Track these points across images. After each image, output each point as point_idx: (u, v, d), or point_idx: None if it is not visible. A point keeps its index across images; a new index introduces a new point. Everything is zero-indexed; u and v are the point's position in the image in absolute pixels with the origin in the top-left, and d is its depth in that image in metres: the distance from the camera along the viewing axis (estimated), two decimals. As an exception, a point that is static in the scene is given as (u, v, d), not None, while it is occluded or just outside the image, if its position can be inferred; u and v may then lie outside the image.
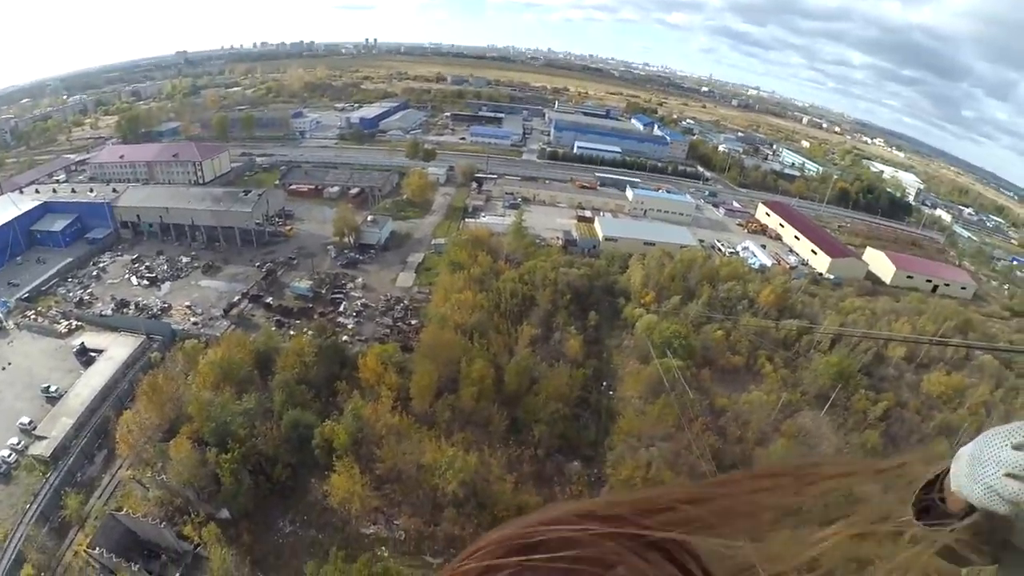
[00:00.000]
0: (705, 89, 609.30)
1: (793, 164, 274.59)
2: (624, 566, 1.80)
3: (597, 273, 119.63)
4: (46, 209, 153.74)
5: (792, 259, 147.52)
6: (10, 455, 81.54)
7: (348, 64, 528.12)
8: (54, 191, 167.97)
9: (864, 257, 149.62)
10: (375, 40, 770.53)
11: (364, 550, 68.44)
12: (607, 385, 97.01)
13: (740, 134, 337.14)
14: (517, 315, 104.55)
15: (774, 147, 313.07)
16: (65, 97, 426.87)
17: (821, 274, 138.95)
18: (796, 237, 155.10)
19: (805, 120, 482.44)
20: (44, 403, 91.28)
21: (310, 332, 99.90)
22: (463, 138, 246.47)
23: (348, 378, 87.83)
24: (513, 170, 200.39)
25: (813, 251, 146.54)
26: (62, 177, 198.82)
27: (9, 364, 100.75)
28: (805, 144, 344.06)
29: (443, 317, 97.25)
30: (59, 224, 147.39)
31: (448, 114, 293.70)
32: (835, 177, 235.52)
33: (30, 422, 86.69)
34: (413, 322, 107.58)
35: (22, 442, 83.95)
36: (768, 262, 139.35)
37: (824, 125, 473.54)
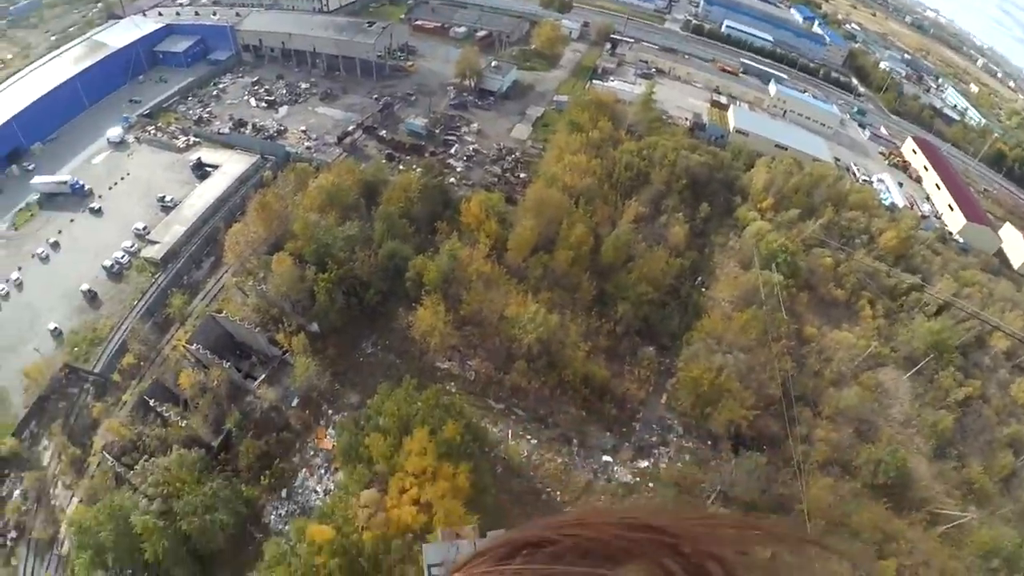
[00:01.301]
0: None
1: (955, 106, 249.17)
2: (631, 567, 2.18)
3: (720, 164, 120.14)
4: (169, 31, 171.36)
5: (926, 207, 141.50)
6: (123, 256, 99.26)
7: None
8: (177, 14, 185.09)
9: (1000, 231, 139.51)
10: None
11: (435, 382, 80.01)
12: (701, 281, 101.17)
13: (907, 56, 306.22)
14: (628, 189, 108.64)
15: (940, 81, 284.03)
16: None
17: (951, 233, 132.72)
18: (937, 185, 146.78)
19: (980, 62, 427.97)
20: (159, 211, 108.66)
21: (419, 169, 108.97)
22: None
23: (449, 219, 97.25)
24: (652, 37, 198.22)
25: (950, 206, 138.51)
26: (185, 1, 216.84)
27: (128, 175, 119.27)
28: (974, 88, 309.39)
29: (553, 176, 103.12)
30: (182, 45, 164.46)
31: None
32: (996, 135, 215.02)
33: (144, 227, 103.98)
34: (522, 175, 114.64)
35: (135, 245, 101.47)
36: (901, 202, 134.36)
37: (999, 74, 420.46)
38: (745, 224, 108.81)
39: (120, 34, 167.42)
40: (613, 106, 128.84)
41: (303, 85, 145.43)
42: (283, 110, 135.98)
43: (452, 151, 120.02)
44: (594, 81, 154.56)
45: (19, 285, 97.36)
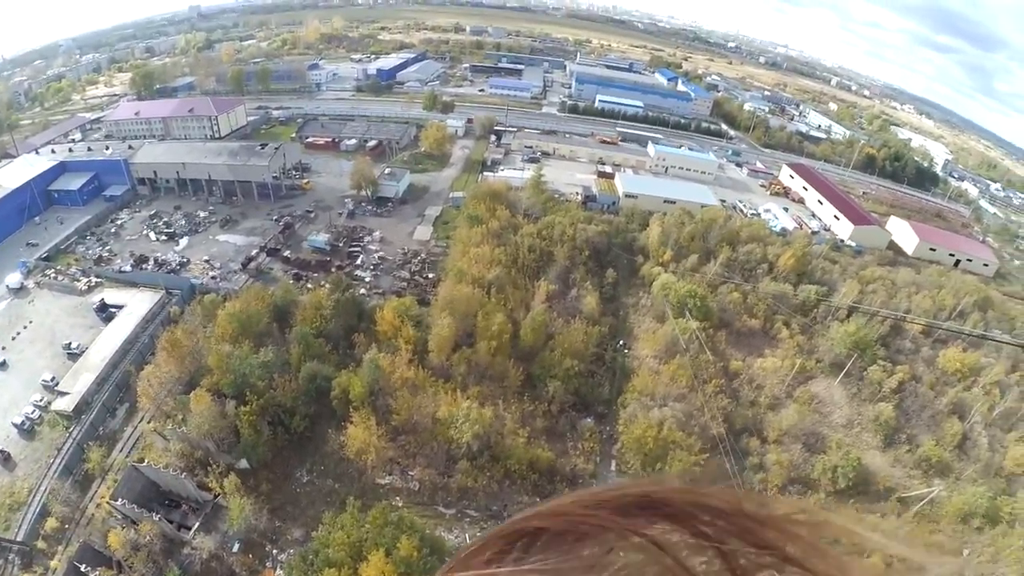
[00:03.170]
0: (732, 45, 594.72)
1: (820, 126, 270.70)
2: (621, 551, 1.89)
3: (616, 230, 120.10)
4: (63, 168, 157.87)
5: (814, 224, 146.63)
6: (34, 411, 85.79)
7: (364, 15, 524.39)
8: (70, 150, 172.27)
9: (887, 226, 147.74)
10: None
11: (379, 499, 71.51)
12: (623, 343, 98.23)
13: (766, 93, 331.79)
14: (535, 271, 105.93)
15: (800, 108, 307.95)
16: (78, 57, 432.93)
17: (843, 241, 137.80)
18: (819, 201, 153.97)
19: (834, 82, 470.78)
20: (66, 360, 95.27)
21: (327, 285, 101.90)
22: (482, 90, 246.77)
23: (366, 331, 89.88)
24: (533, 123, 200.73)
25: (836, 217, 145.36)
26: (78, 136, 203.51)
27: (31, 323, 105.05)
28: (833, 107, 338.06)
29: (461, 271, 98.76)
30: (76, 183, 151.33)
31: (467, 65, 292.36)
32: (862, 142, 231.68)
33: (52, 379, 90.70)
34: (430, 276, 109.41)
35: (45, 398, 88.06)
36: (790, 226, 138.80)
37: (853, 88, 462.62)
38: (651, 280, 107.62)
39: (13, 174, 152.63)
40: (507, 194, 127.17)
41: (202, 214, 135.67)
42: (184, 241, 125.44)
43: (358, 262, 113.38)
44: (485, 173, 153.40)
45: None
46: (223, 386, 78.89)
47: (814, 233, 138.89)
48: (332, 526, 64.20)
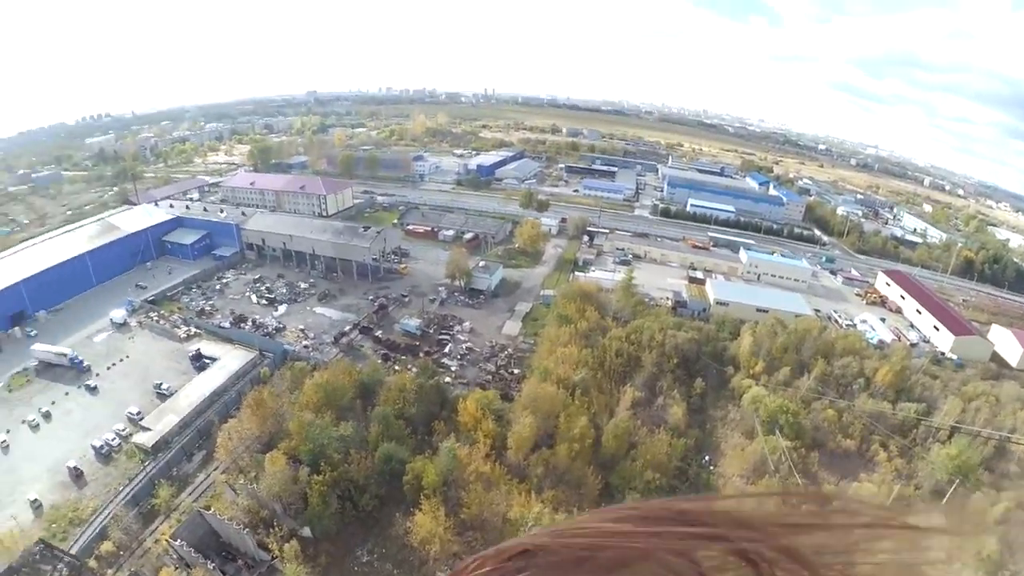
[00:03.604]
0: (822, 147, 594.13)
1: (915, 230, 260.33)
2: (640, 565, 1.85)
3: (706, 338, 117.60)
4: (178, 223, 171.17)
5: (913, 335, 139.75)
6: (114, 439, 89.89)
7: (468, 112, 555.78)
8: (187, 207, 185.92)
9: (989, 335, 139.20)
10: (494, 90, 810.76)
11: (436, 595, 69.56)
12: (708, 459, 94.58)
13: (859, 196, 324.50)
14: (621, 375, 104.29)
15: (894, 210, 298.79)
16: (203, 124, 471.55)
17: (943, 353, 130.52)
18: (917, 311, 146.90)
19: (927, 182, 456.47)
20: (154, 398, 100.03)
21: (414, 369, 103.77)
22: (576, 190, 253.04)
23: (446, 419, 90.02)
24: (625, 225, 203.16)
25: (935, 327, 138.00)
26: (195, 196, 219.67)
27: (127, 357, 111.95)
28: (927, 208, 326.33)
29: (546, 370, 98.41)
30: (189, 238, 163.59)
31: (562, 166, 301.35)
32: (959, 245, 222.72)
33: (138, 412, 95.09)
34: (515, 371, 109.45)
35: (127, 429, 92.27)
36: (887, 337, 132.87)
37: (947, 187, 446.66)
38: (741, 393, 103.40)
39: (132, 220, 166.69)
40: (597, 295, 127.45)
41: (302, 285, 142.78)
42: (282, 308, 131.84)
43: (446, 350, 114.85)
44: (576, 273, 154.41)
45: (5, 448, 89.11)
46: (300, 452, 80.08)
47: (913, 345, 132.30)
48: (385, 614, 62.45)
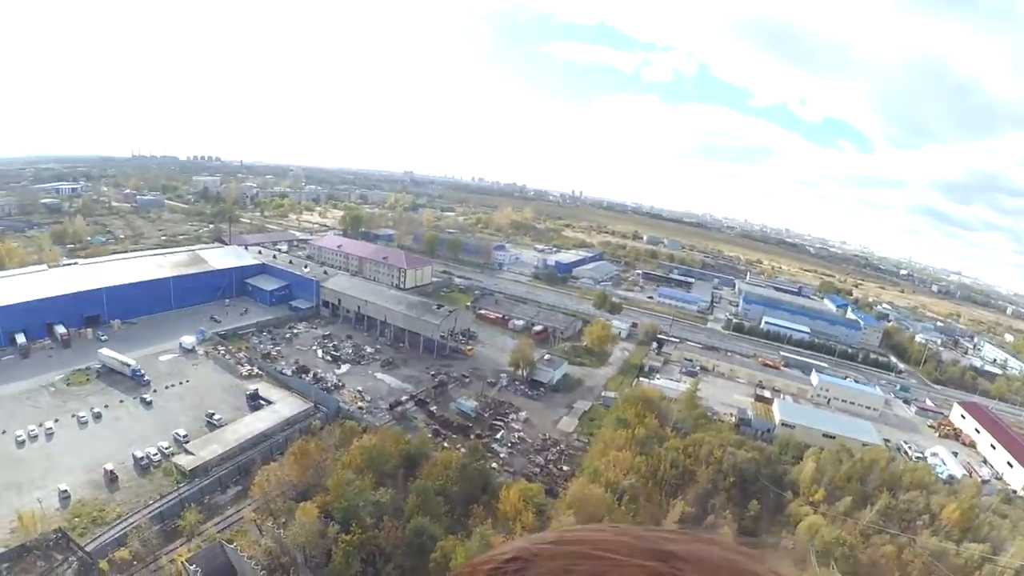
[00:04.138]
0: (904, 272, 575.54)
1: (995, 360, 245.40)
2: None
3: (767, 459, 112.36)
4: (263, 269, 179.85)
5: (985, 471, 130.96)
6: (156, 454, 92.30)
7: (553, 211, 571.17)
8: (274, 256, 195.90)
9: None
10: (581, 192, 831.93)
11: None
12: None
13: (939, 323, 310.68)
14: (673, 487, 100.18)
15: (975, 340, 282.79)
16: (303, 184, 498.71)
17: (1015, 491, 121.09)
18: (992, 445, 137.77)
19: (1009, 310, 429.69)
20: (203, 426, 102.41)
21: (463, 449, 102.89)
22: (650, 297, 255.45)
23: (486, 504, 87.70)
24: (696, 336, 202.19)
25: (1009, 463, 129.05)
26: (283, 247, 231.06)
27: (187, 381, 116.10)
28: (1009, 338, 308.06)
29: (597, 471, 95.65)
30: (270, 285, 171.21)
31: (639, 272, 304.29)
32: None
33: (185, 435, 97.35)
34: (565, 468, 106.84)
35: (171, 448, 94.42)
36: (958, 472, 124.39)
37: None
38: (798, 520, 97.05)
39: (221, 257, 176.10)
40: (659, 403, 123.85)
41: (368, 349, 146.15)
42: (345, 367, 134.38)
43: (498, 436, 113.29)
44: (641, 378, 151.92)
45: (50, 435, 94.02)
46: (332, 509, 79.35)
47: (984, 482, 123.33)
48: None
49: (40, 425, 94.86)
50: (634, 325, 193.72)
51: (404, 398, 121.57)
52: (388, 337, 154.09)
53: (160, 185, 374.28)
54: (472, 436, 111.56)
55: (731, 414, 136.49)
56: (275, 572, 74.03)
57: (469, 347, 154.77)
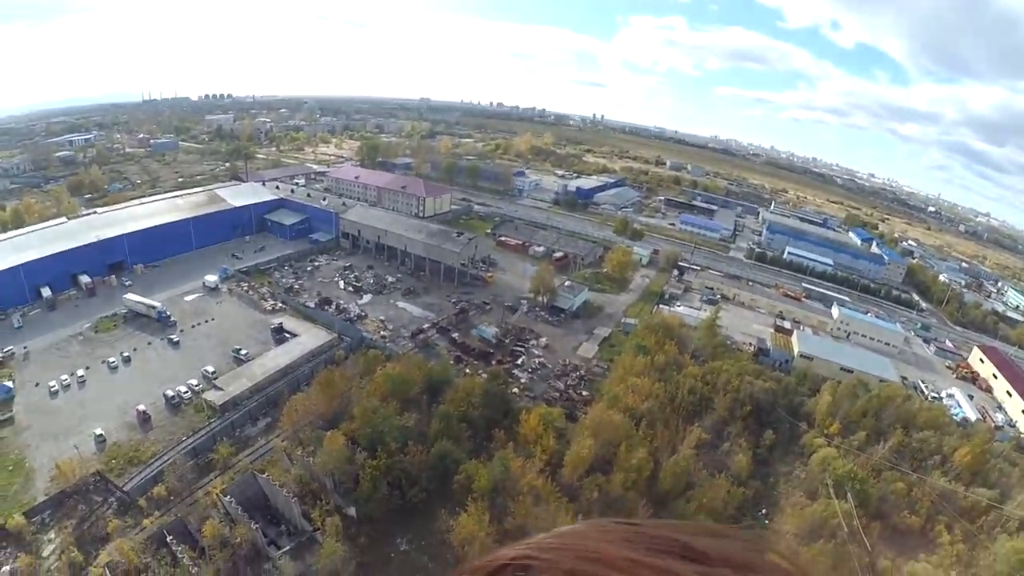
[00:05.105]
0: (932, 209, 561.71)
1: (1018, 307, 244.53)
2: None
3: (784, 390, 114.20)
4: (281, 204, 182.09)
5: (999, 417, 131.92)
6: (186, 392, 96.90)
7: (574, 135, 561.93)
8: (292, 191, 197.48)
9: None
10: (602, 117, 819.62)
11: (467, 595, 70.71)
12: (765, 512, 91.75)
13: (964, 264, 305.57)
14: (690, 414, 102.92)
15: (999, 284, 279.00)
16: (318, 116, 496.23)
17: None
18: (1008, 392, 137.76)
19: None
20: (231, 362, 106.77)
21: (484, 375, 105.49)
22: (672, 224, 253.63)
23: (507, 429, 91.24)
24: (717, 265, 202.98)
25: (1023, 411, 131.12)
26: (301, 182, 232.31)
27: (213, 319, 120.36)
28: None
29: (616, 396, 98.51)
30: (289, 219, 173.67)
31: (662, 198, 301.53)
32: None
33: (213, 372, 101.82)
34: (584, 393, 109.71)
35: (200, 385, 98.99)
36: (973, 416, 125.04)
37: None
38: (811, 451, 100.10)
39: (238, 195, 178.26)
40: (679, 330, 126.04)
41: (389, 279, 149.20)
42: (367, 297, 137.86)
43: (519, 362, 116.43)
44: (661, 305, 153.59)
45: (82, 383, 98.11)
46: (359, 436, 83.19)
47: (998, 428, 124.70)
48: (412, 602, 63.96)
49: (72, 374, 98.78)
50: (655, 252, 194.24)
51: (426, 326, 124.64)
52: (409, 266, 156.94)
53: (173, 127, 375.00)
54: (493, 362, 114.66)
55: (750, 344, 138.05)
56: (305, 498, 78.48)
57: (489, 274, 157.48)
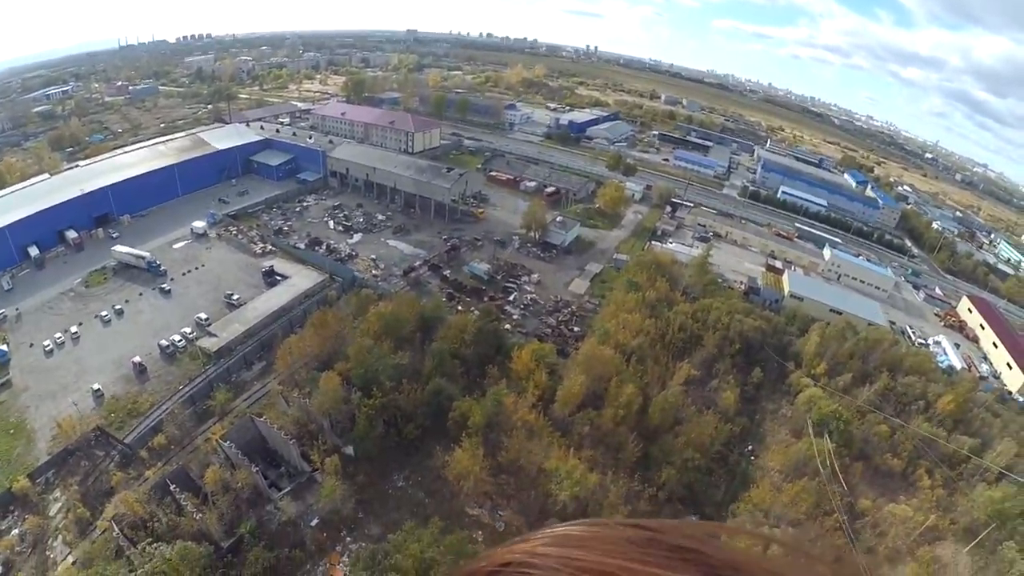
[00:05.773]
0: (929, 156, 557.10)
1: (1009, 260, 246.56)
2: None
3: (773, 329, 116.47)
4: (266, 145, 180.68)
5: (984, 367, 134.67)
6: (180, 340, 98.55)
7: (566, 67, 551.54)
8: (277, 130, 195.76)
9: None
10: (596, 48, 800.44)
11: (462, 528, 73.39)
12: (751, 449, 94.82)
13: (958, 213, 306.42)
14: (680, 351, 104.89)
15: (992, 236, 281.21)
16: (301, 52, 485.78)
17: (1011, 393, 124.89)
18: (994, 344, 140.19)
19: None
20: (224, 307, 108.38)
21: (477, 312, 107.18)
22: (666, 159, 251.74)
23: (500, 365, 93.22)
24: (710, 202, 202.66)
25: (1008, 365, 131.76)
26: (286, 121, 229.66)
27: (203, 266, 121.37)
28: None
29: (607, 332, 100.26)
30: (276, 160, 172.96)
31: (656, 133, 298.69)
32: None
33: (207, 319, 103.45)
34: (576, 329, 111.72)
35: (194, 333, 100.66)
36: (958, 364, 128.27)
37: None
38: (798, 390, 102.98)
39: (223, 137, 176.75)
40: (670, 267, 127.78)
41: (379, 217, 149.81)
42: (357, 237, 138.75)
43: (511, 298, 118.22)
44: (653, 242, 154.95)
45: (76, 339, 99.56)
46: (353, 375, 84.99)
47: (982, 378, 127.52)
48: (410, 536, 67.04)
49: (65, 331, 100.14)
50: (648, 188, 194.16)
51: (417, 263, 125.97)
52: (398, 203, 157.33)
53: (152, 72, 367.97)
54: (485, 299, 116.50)
55: (741, 282, 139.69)
56: (304, 439, 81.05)
57: (480, 210, 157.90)
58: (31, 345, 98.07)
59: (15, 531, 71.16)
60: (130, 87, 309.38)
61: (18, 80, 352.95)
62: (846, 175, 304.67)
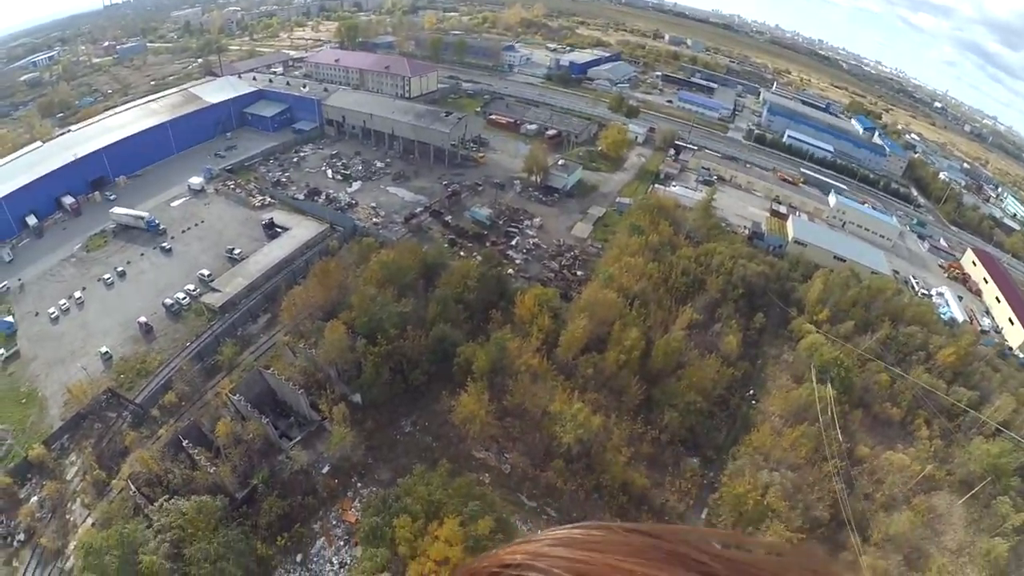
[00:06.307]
0: (938, 105, 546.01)
1: (1015, 215, 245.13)
2: None
3: (776, 275, 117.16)
4: (260, 95, 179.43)
5: (986, 321, 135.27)
6: (184, 298, 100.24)
7: (567, 7, 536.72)
8: (270, 81, 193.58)
9: None
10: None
11: (470, 471, 76.23)
12: (752, 393, 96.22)
13: (965, 165, 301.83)
14: (683, 295, 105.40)
15: (999, 190, 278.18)
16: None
17: (1011, 348, 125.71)
18: (997, 298, 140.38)
19: None
20: (225, 262, 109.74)
21: (479, 257, 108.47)
22: (670, 101, 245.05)
23: (503, 310, 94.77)
24: (715, 145, 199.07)
25: (1010, 320, 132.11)
26: (279, 70, 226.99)
27: (202, 222, 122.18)
28: None
29: (610, 276, 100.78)
30: (270, 111, 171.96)
31: (659, 74, 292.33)
32: None
33: (209, 275, 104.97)
34: (579, 273, 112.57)
35: (198, 290, 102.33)
36: (960, 317, 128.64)
37: None
38: (800, 336, 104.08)
39: (215, 91, 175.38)
40: (673, 211, 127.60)
41: (378, 164, 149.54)
42: (356, 185, 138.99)
43: (513, 243, 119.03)
44: (656, 185, 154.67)
45: (80, 304, 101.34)
46: (358, 324, 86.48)
47: (983, 332, 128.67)
48: (419, 480, 69.84)
49: (69, 298, 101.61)
50: (651, 130, 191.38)
51: (418, 210, 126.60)
52: (397, 150, 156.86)
53: (139, 30, 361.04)
54: (487, 244, 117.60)
55: (745, 227, 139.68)
56: (312, 389, 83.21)
57: (480, 154, 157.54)
58: (36, 314, 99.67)
59: (34, 498, 73.74)
60: (117, 47, 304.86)
61: (3, 50, 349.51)
62: (853, 121, 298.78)
